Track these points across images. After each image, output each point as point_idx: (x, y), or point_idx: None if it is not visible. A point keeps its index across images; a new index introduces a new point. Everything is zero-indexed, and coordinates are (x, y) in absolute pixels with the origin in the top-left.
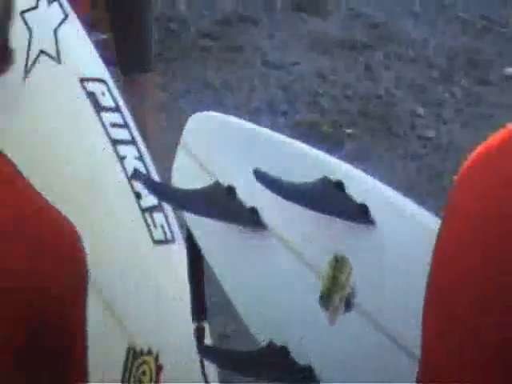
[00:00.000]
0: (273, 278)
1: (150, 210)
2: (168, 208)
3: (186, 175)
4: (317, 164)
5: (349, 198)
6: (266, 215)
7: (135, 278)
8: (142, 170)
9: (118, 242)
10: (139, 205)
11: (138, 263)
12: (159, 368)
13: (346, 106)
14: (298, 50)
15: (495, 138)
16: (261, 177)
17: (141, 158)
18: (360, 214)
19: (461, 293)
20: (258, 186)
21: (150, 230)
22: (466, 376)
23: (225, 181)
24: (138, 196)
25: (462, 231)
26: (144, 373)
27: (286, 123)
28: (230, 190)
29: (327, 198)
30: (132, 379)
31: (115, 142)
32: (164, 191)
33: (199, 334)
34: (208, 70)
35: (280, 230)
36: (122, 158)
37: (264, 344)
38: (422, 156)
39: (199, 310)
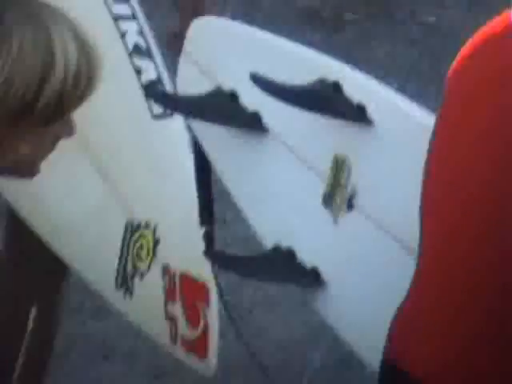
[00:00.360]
0: (276, 181)
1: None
2: (166, 82)
3: (189, 82)
4: (314, 65)
5: (346, 99)
6: (269, 119)
7: (135, 153)
8: (143, 45)
9: (118, 116)
10: (139, 80)
11: (137, 137)
12: (157, 242)
13: None
14: None
15: (491, 25)
16: (258, 80)
17: (141, 33)
18: (358, 114)
19: (458, 188)
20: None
21: (149, 105)
22: (461, 267)
23: (227, 86)
24: (138, 72)
25: (460, 119)
26: (141, 247)
27: (287, 9)
28: (233, 95)
29: (325, 99)
30: (130, 253)
31: (117, 18)
32: (170, 99)
33: (208, 239)
34: None
35: (282, 133)
36: (122, 34)
37: (270, 247)
38: (422, 41)
39: (207, 215)
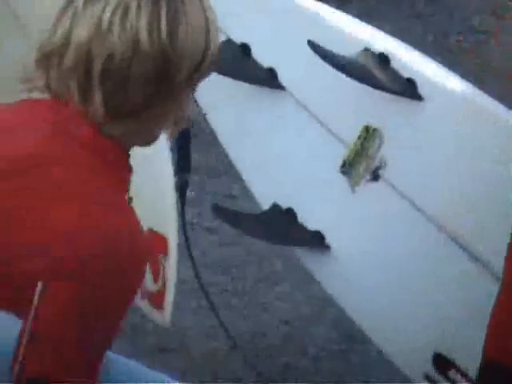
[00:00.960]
0: (288, 140)
1: None
2: None
3: None
4: (358, 36)
5: (395, 72)
6: (285, 77)
7: None
8: None
9: None
10: None
11: None
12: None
13: None
14: None
15: None
16: (315, 47)
17: None
18: (407, 89)
19: None
20: (276, 47)
21: None
22: None
23: (238, 38)
24: None
25: None
26: None
27: None
28: (245, 48)
29: (371, 71)
30: None
31: None
32: None
33: (182, 187)
34: None
35: (302, 93)
36: None
37: (268, 206)
38: (427, 16)
39: (184, 163)
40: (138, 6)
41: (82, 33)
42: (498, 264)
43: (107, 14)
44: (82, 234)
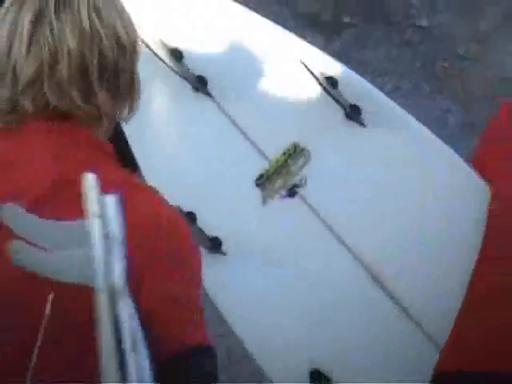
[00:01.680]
0: (203, 146)
1: None
2: None
3: None
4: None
5: (341, 96)
6: (216, 86)
7: None
8: None
9: None
10: None
11: None
12: None
13: None
14: None
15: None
16: None
17: None
18: (351, 114)
19: None
20: (208, 55)
21: None
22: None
23: (172, 43)
24: None
25: None
26: None
27: (290, 14)
28: (176, 52)
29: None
30: None
31: None
32: None
33: None
34: None
35: (228, 103)
36: None
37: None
38: (416, 43)
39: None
40: (105, 4)
41: (70, 40)
42: (388, 275)
43: (85, 18)
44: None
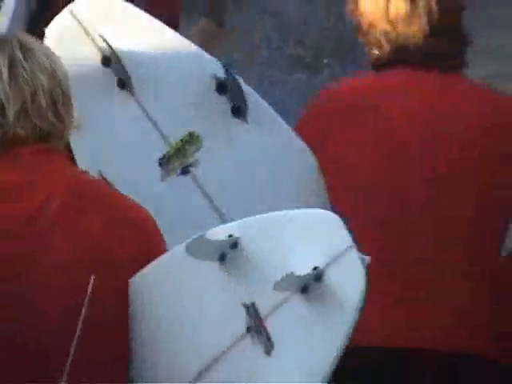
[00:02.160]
0: (122, 130)
1: None
2: None
3: (67, 36)
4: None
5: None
6: (138, 86)
7: None
8: None
9: None
10: None
11: None
12: None
13: (324, 43)
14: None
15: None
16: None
17: None
18: (236, 112)
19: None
20: (135, 58)
21: None
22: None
23: (104, 50)
24: None
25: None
26: None
27: (280, 57)
28: (106, 59)
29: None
30: None
31: None
32: None
33: None
34: None
35: (145, 99)
36: None
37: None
38: None
39: None
40: (52, 51)
41: (42, 78)
42: None
43: (45, 62)
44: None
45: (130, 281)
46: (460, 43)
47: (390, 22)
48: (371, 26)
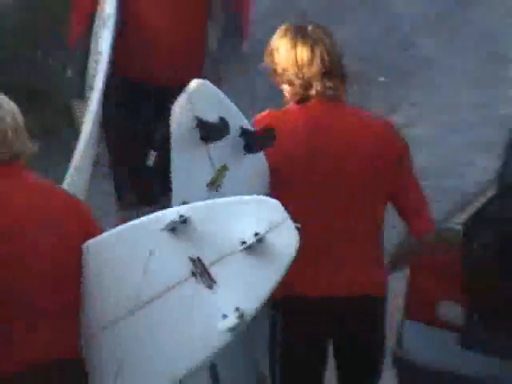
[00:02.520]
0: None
1: None
2: None
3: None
4: None
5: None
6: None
7: None
8: None
9: None
10: None
11: None
12: None
13: None
14: None
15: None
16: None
17: None
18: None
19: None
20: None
21: None
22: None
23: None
24: None
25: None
26: None
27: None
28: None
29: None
30: None
31: None
32: None
33: None
34: None
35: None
36: None
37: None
38: None
39: None
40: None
41: (12, 122)
42: None
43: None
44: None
45: (86, 245)
46: (343, 81)
47: (298, 66)
48: (284, 69)
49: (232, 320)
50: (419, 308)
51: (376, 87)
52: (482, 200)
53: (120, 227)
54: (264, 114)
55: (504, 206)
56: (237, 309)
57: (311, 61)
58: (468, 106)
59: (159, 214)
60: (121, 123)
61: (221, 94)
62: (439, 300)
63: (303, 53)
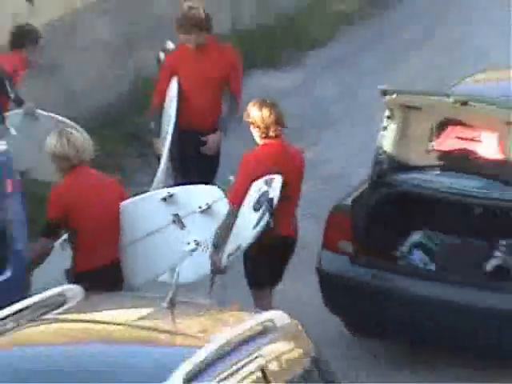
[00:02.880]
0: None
1: None
2: None
3: None
4: None
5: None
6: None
7: None
8: None
9: None
10: None
11: None
12: None
13: None
14: None
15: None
16: None
17: None
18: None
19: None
20: None
21: None
22: None
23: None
24: None
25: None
26: None
27: None
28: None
29: None
30: None
31: None
32: None
33: None
34: None
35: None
36: None
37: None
38: None
39: None
40: None
41: None
42: None
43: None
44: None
45: (122, 205)
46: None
47: (262, 119)
48: (254, 121)
49: (191, 246)
50: (329, 244)
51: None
52: (361, 190)
53: (137, 197)
54: (251, 153)
55: (372, 193)
56: (195, 240)
57: (269, 116)
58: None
59: (158, 191)
60: (179, 151)
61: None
62: (339, 240)
63: (265, 112)
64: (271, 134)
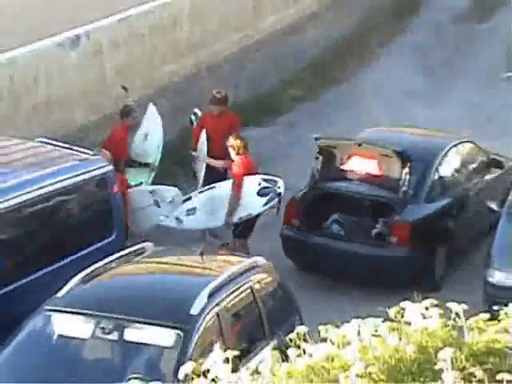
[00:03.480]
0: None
1: None
2: None
3: None
4: None
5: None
6: None
7: None
8: None
9: None
10: None
11: None
12: None
13: None
14: None
15: None
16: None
17: None
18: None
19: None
20: None
21: None
22: None
23: None
24: None
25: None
26: None
27: None
28: None
29: None
30: None
31: None
32: None
33: None
34: None
35: None
36: None
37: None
38: None
39: None
40: None
41: None
42: None
43: None
44: None
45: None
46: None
47: (237, 145)
48: (233, 145)
49: (163, 218)
50: (287, 220)
51: None
52: (304, 191)
53: (135, 188)
54: (239, 160)
55: (310, 193)
56: (165, 214)
57: (240, 142)
58: None
59: (148, 187)
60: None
61: None
62: (292, 218)
63: (238, 141)
64: (241, 152)
